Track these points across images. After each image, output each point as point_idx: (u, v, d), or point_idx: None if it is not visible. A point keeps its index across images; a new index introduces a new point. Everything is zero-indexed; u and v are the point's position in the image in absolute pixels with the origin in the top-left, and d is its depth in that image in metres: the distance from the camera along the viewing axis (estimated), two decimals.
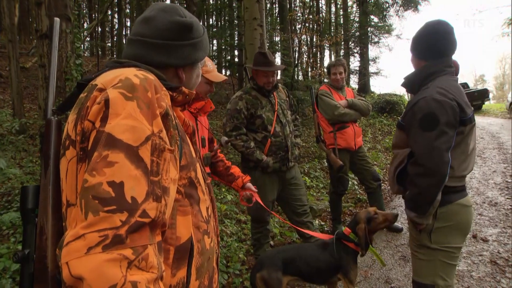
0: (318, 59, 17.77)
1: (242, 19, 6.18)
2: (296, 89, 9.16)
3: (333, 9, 20.61)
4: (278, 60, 12.26)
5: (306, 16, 12.90)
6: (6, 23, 7.53)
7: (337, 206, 3.79)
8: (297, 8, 15.44)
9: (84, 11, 20.99)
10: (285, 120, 2.83)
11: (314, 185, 5.47)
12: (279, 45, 12.13)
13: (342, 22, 18.33)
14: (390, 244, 3.52)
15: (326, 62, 19.32)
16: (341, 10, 19.25)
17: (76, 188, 0.72)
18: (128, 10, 22.30)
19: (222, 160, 2.15)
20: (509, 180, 5.38)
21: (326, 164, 5.02)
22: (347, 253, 2.13)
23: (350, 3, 18.98)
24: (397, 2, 16.59)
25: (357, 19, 17.46)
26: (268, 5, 15.19)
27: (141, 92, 0.73)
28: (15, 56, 7.44)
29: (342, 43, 16.87)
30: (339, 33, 16.03)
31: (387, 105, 12.16)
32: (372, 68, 17.80)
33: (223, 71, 17.16)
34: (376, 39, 17.27)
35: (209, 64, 1.91)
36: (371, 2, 16.79)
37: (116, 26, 22.17)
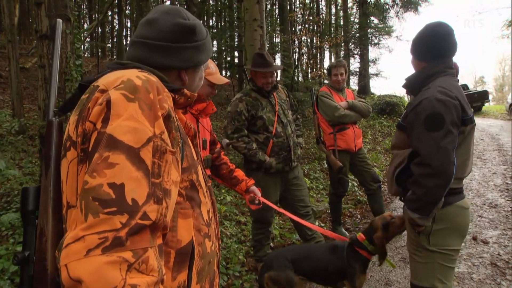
0: (318, 61, 17.82)
1: (242, 20, 6.19)
2: (296, 90, 9.17)
3: (333, 10, 20.67)
4: (278, 61, 12.28)
5: (306, 17, 12.91)
6: (6, 24, 7.53)
7: (337, 208, 3.78)
8: (297, 9, 15.50)
9: (84, 12, 21.02)
10: (286, 120, 2.83)
11: (314, 187, 5.47)
12: (279, 46, 12.15)
13: (342, 23, 18.38)
14: (390, 246, 3.51)
15: (326, 63, 19.36)
16: (341, 12, 19.29)
17: (77, 189, 0.72)
18: (128, 11, 22.33)
19: (225, 163, 2.11)
20: (509, 182, 5.38)
21: (326, 165, 5.02)
22: (357, 260, 2.05)
23: (350, 5, 19.06)
24: (397, 4, 16.63)
25: (357, 21, 17.52)
26: (268, 6, 15.22)
27: (143, 94, 0.72)
28: (15, 56, 7.44)
29: (342, 44, 16.89)
30: (339, 35, 16.07)
31: (387, 106, 12.17)
32: (372, 70, 17.87)
33: (223, 72, 17.16)
34: (376, 41, 17.33)
35: (212, 66, 1.91)
36: (371, 3, 16.83)
37: (116, 27, 22.19)
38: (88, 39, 18.85)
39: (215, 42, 16.29)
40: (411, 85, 1.74)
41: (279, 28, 12.52)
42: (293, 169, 2.88)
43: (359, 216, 4.48)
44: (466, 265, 3.04)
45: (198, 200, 0.88)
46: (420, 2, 16.36)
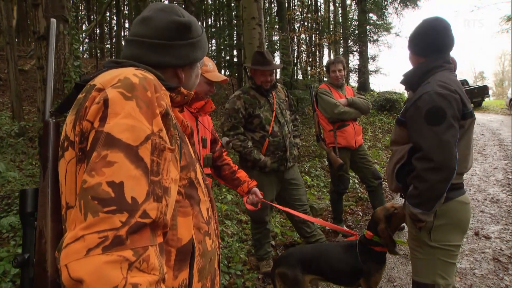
0: (317, 58, 17.79)
1: (241, 19, 6.18)
2: (295, 88, 9.16)
3: (331, 7, 20.62)
4: (277, 59, 12.26)
5: (304, 15, 12.91)
6: (4, 25, 7.51)
7: (338, 205, 3.78)
8: (296, 7, 15.45)
9: (82, 13, 20.97)
10: (283, 120, 2.83)
11: (315, 184, 5.46)
12: (278, 44, 12.12)
13: (340, 20, 18.34)
14: None
15: (325, 60, 19.28)
16: (339, 9, 19.26)
17: (76, 189, 0.71)
18: (126, 11, 22.29)
19: (228, 164, 2.07)
20: (510, 177, 5.37)
21: (326, 163, 5.01)
22: (371, 257, 2.00)
23: (348, 2, 19.03)
24: (395, 0, 16.60)
25: (356, 18, 17.48)
26: (267, 4, 15.20)
27: (140, 92, 0.72)
28: (14, 58, 7.42)
29: (341, 41, 16.88)
30: (338, 32, 16.07)
31: (387, 103, 12.16)
32: (371, 66, 17.85)
33: (223, 71, 17.13)
34: (375, 37, 17.30)
35: (210, 64, 1.90)
36: (370, 0, 16.79)
37: (115, 28, 22.17)
38: (87, 40, 18.83)
39: (213, 41, 16.29)
40: (410, 80, 1.73)
41: (277, 26, 12.49)
42: (289, 169, 2.87)
43: (360, 213, 4.47)
44: (469, 260, 3.03)
45: (197, 198, 0.88)
46: None
